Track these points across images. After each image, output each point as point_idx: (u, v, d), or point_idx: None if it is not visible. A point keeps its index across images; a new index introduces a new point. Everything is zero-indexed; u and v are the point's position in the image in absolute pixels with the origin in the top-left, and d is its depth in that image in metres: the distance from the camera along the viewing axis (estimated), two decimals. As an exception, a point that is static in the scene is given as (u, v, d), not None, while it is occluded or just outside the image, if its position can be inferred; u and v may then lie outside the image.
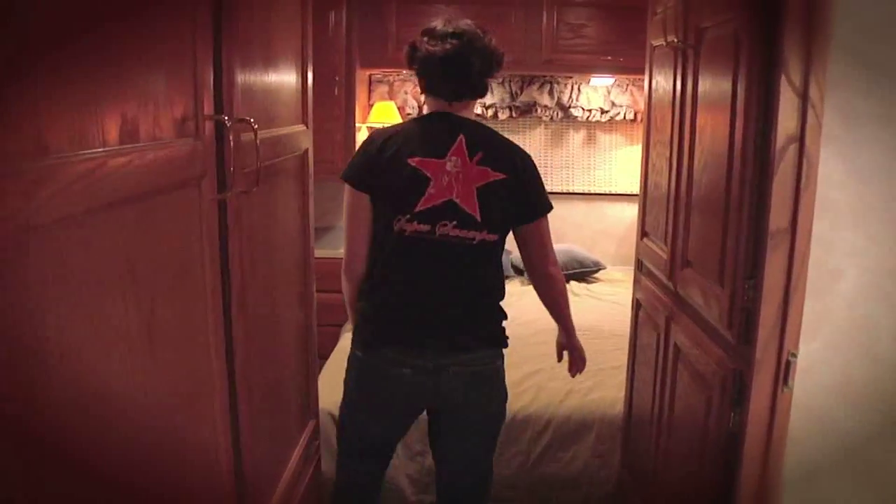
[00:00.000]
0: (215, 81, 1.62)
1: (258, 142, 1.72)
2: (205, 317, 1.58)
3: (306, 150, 2.37)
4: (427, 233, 2.26)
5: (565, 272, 5.00)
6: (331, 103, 4.81)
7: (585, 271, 5.09)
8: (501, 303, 2.52)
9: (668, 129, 2.23)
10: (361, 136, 5.13)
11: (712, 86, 1.91)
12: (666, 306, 2.27)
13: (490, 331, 2.45)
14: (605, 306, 4.54)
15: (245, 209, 1.79)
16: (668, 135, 2.22)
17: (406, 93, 5.34)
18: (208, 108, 1.58)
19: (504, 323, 2.55)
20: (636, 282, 2.71)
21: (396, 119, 5.16)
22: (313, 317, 2.47)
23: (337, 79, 4.78)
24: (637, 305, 2.69)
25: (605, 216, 5.60)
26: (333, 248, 4.81)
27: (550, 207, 2.44)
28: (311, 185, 2.51)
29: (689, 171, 2.03)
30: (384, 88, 5.34)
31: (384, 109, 5.10)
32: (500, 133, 2.53)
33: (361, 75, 5.05)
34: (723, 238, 1.79)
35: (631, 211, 5.54)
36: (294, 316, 2.35)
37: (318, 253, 4.54)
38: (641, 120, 5.36)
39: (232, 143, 1.61)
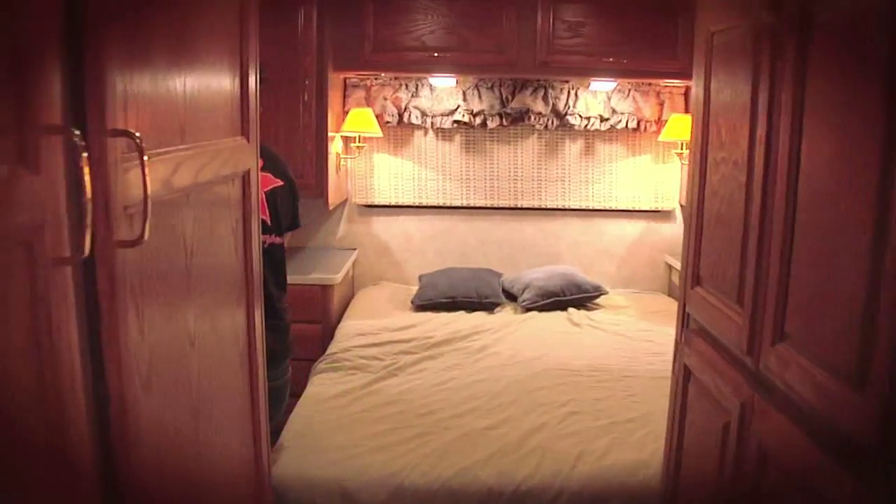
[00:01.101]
0: (68, 74, 0.96)
1: (145, 166, 1.06)
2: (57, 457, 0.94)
3: (248, 170, 1.70)
4: None
5: (563, 297, 4.37)
6: (300, 110, 4.15)
7: (585, 297, 4.43)
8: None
9: (742, 144, 1.57)
10: (335, 146, 4.45)
11: (836, 88, 1.25)
12: (739, 388, 1.60)
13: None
14: (609, 340, 3.88)
15: (133, 269, 1.12)
16: (744, 152, 1.56)
17: (385, 99, 4.66)
18: (51, 116, 0.92)
19: (282, 332, 2.71)
20: (684, 342, 2.03)
21: (374, 128, 4.49)
22: (262, 398, 1.81)
23: (307, 82, 4.11)
24: (684, 373, 2.01)
25: (603, 234, 4.95)
26: (303, 273, 4.15)
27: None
28: (258, 213, 1.84)
29: (789, 206, 1.37)
30: (361, 94, 4.66)
31: (360, 117, 4.42)
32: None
33: (335, 79, 4.37)
34: (863, 315, 1.14)
35: (632, 228, 4.91)
36: (234, 398, 1.68)
37: (298, 279, 3.90)
38: (645, 129, 4.75)
39: (88, 172, 0.95)
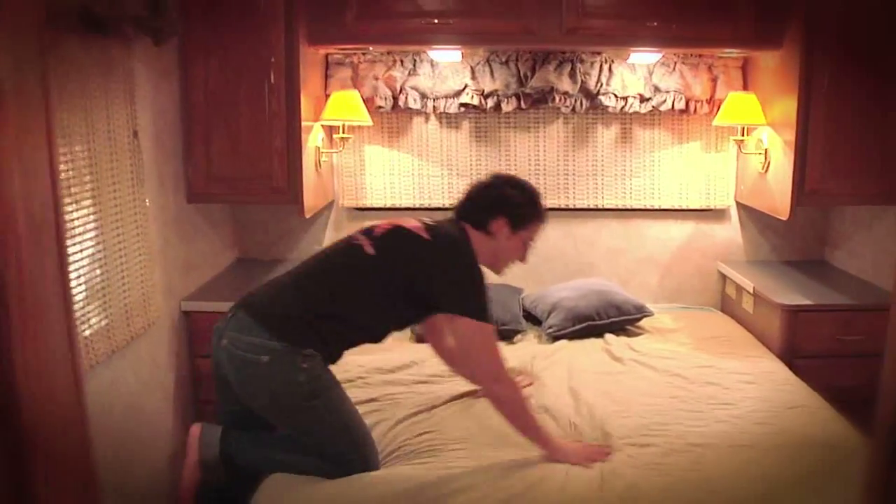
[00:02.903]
0: None
1: None
2: None
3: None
4: None
5: (598, 321, 3.46)
6: (265, 96, 3.23)
7: (626, 320, 3.52)
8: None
9: None
10: (314, 139, 3.54)
11: None
12: None
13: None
14: (662, 383, 2.94)
15: None
16: None
17: (376, 78, 3.73)
18: None
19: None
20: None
21: (361, 115, 3.56)
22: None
23: (272, 60, 3.20)
24: None
25: (644, 239, 4.01)
26: None
27: None
28: None
29: None
30: (346, 73, 3.73)
31: (343, 102, 3.49)
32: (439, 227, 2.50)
33: (312, 56, 3.44)
34: None
35: (678, 231, 3.98)
36: None
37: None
38: (694, 111, 3.80)
39: None
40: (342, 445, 2.32)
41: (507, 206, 2.49)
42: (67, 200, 2.31)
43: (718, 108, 3.69)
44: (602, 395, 2.82)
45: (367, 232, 2.47)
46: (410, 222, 2.46)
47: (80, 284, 2.38)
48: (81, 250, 2.39)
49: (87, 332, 2.42)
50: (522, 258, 2.61)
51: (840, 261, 3.88)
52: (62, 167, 2.27)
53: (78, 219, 2.37)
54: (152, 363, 2.95)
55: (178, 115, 3.22)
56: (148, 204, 2.90)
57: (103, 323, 2.51)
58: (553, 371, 3.08)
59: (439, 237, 2.43)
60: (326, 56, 3.72)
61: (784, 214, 3.34)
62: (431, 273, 2.37)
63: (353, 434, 2.36)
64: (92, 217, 2.46)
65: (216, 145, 3.26)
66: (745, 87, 3.74)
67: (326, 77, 3.73)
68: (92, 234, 2.46)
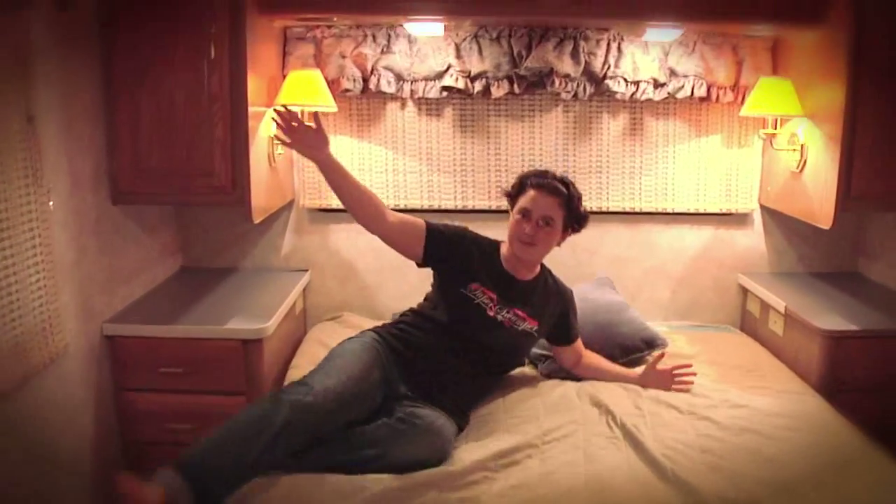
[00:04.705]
0: None
1: None
2: None
3: None
4: None
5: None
6: (205, 74, 2.65)
7: (634, 359, 2.95)
8: None
9: None
10: (268, 127, 2.95)
11: None
12: None
13: None
14: (689, 430, 2.33)
15: None
16: None
17: (343, 56, 3.15)
18: None
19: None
20: None
21: (324, 98, 2.98)
22: None
23: (214, 31, 2.62)
24: None
25: (655, 247, 3.46)
26: (216, 319, 2.74)
27: None
28: None
29: None
30: (307, 50, 3.15)
31: (303, 83, 2.90)
32: None
33: (265, 27, 2.85)
34: None
35: (694, 238, 3.45)
36: None
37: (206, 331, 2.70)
38: (717, 98, 3.23)
39: None
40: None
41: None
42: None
43: (743, 95, 3.15)
44: (613, 469, 2.20)
45: None
46: None
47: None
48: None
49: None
50: (521, 236, 2.51)
51: (878, 274, 3.35)
52: None
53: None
54: (61, 402, 2.38)
55: (98, 97, 2.63)
56: (52, 206, 2.31)
57: (-21, 364, 1.94)
58: (556, 419, 2.48)
59: None
60: (284, 30, 3.14)
61: (826, 222, 2.81)
62: None
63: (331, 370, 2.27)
64: (-40, 226, 1.88)
65: (146, 135, 2.68)
66: (775, 71, 3.19)
67: (284, 55, 3.15)
68: (-41, 248, 1.88)
